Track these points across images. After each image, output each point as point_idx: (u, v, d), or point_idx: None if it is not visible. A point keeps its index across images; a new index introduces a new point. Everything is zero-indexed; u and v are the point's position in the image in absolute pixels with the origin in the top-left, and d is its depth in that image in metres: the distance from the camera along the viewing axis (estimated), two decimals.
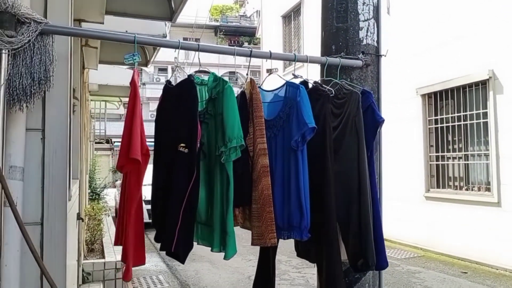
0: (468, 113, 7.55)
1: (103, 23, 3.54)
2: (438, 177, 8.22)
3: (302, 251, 2.43)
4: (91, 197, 10.13)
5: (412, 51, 8.48)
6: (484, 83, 7.18)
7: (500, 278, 6.24)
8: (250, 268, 6.76)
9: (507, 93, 6.77)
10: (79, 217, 3.77)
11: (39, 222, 1.91)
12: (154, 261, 7.59)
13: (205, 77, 2.01)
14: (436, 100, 8.20)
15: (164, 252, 1.93)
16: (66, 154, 1.99)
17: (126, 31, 4.59)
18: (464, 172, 7.73)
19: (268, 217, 1.92)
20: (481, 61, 7.08)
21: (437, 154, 8.23)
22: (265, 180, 1.93)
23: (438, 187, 8.20)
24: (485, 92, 7.20)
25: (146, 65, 5.71)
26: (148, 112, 31.23)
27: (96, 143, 16.71)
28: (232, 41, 33.51)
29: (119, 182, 12.71)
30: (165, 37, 3.93)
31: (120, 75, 9.12)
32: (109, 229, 7.74)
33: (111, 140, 25.71)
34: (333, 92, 2.12)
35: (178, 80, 2.09)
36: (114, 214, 11.55)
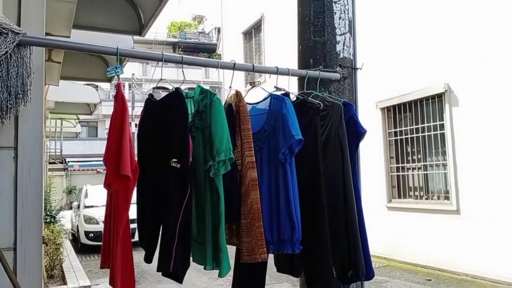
0: (426, 125, 7.85)
1: (69, 37, 3.42)
2: (399, 188, 8.46)
3: (284, 266, 2.39)
4: (45, 220, 9.66)
5: (371, 66, 8.74)
6: (440, 96, 7.51)
7: (462, 284, 6.45)
8: (219, 287, 6.62)
9: (462, 106, 7.12)
10: (43, 241, 3.55)
11: (11, 247, 1.78)
12: None
13: (190, 91, 1.96)
14: (395, 113, 8.49)
15: (160, 273, 1.84)
16: (41, 174, 1.87)
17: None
18: (423, 182, 8.00)
19: (258, 231, 1.88)
20: (437, 75, 7.42)
21: (398, 165, 8.48)
22: (254, 194, 1.89)
23: (399, 197, 8.44)
24: (441, 104, 7.53)
25: (110, 80, 5.55)
26: (104, 130, 30.40)
27: (49, 163, 16.01)
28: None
29: (75, 204, 12.19)
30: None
31: (78, 92, 8.83)
32: (68, 254, 7.36)
33: (65, 160, 24.84)
34: (321, 105, 2.13)
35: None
36: (71, 238, 11.05)
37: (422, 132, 7.93)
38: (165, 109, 1.86)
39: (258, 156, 2.05)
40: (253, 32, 13.75)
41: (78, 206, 11.78)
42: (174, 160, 1.78)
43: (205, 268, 1.91)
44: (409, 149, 8.29)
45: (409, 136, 8.21)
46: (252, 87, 2.15)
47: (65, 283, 5.33)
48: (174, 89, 1.88)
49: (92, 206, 11.51)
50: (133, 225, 1.93)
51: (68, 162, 25.94)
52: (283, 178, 1.99)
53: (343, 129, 2.15)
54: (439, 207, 7.53)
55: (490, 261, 6.49)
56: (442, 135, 7.51)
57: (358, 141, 2.23)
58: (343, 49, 2.53)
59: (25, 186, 1.80)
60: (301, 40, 2.60)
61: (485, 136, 6.73)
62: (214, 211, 1.86)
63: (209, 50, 33.46)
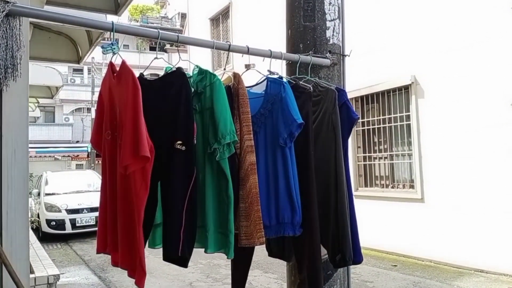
0: (392, 115, 8.05)
1: None
2: (366, 176, 8.67)
3: (276, 251, 2.40)
4: None
5: None
6: (407, 88, 7.71)
7: (426, 269, 6.72)
8: (190, 275, 6.58)
9: (428, 98, 7.34)
10: None
11: None
12: (84, 274, 7.09)
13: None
14: (363, 103, 8.65)
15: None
16: (27, 154, 1.77)
17: (63, 24, 4.23)
18: (389, 171, 8.23)
19: (256, 216, 1.86)
20: (404, 67, 7.60)
21: (364, 154, 8.68)
22: (253, 178, 1.87)
23: (366, 185, 8.65)
24: (407, 96, 7.73)
25: (78, 62, 5.32)
26: (62, 116, 29.30)
27: None
28: (154, 43, 32.62)
29: (35, 191, 11.72)
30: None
31: (39, 73, 8.42)
32: (32, 243, 7.08)
33: None
34: (312, 90, 2.12)
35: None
36: (32, 226, 10.63)
37: (388, 123, 8.13)
38: (166, 89, 1.78)
39: (254, 140, 2.03)
40: (220, 18, 13.58)
41: (39, 194, 11.32)
42: (179, 142, 1.72)
43: (205, 251, 1.88)
44: (375, 139, 8.49)
45: (376, 126, 8.40)
46: (246, 70, 2.10)
47: (32, 271, 5.10)
48: (175, 69, 1.81)
49: (53, 194, 11.10)
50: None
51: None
52: (282, 162, 1.97)
53: (336, 115, 2.15)
54: (404, 196, 7.78)
55: (452, 248, 6.78)
56: (408, 126, 7.73)
57: (351, 127, 2.24)
58: (333, 35, 2.53)
59: (10, 168, 1.69)
60: (291, 24, 2.58)
61: (449, 127, 6.98)
62: (220, 195, 1.83)
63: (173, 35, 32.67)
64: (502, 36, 6.22)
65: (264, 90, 2.08)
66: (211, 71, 1.85)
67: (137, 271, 1.67)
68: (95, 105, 2.03)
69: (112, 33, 1.72)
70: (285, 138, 1.98)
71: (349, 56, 2.59)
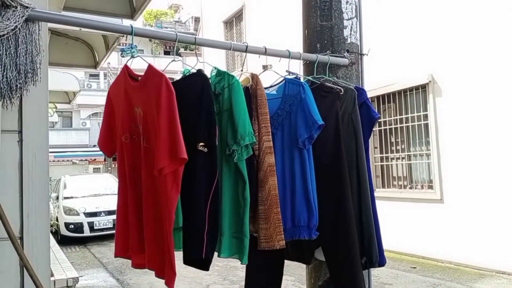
0: (409, 115, 7.94)
1: None
2: (383, 177, 8.56)
3: (294, 253, 2.36)
4: None
5: None
6: (424, 87, 7.60)
7: (446, 271, 6.60)
8: (207, 277, 6.58)
9: (446, 96, 7.22)
10: None
11: (18, 236, 1.68)
12: (102, 276, 7.15)
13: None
14: (379, 103, 8.56)
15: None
16: (47, 158, 1.78)
17: (80, 29, 4.30)
18: (407, 172, 8.11)
19: (275, 218, 1.84)
20: (421, 65, 7.49)
21: (382, 155, 8.58)
22: (272, 180, 1.85)
23: (383, 186, 8.54)
24: (425, 95, 7.62)
25: (95, 67, 5.38)
26: (80, 120, 29.73)
27: None
28: (168, 47, 32.87)
29: (54, 195, 11.89)
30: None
31: (56, 79, 8.54)
32: (52, 246, 7.18)
33: None
34: (341, 90, 2.09)
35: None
36: (53, 230, 10.79)
37: (406, 123, 8.02)
38: (188, 91, 1.77)
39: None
40: (234, 21, 13.60)
41: (57, 198, 11.48)
42: (201, 144, 1.72)
43: (219, 256, 1.86)
44: (393, 139, 8.38)
45: (393, 126, 8.30)
46: (264, 71, 2.08)
47: (52, 275, 5.17)
48: (196, 71, 1.81)
49: (71, 197, 11.25)
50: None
51: None
52: (300, 164, 1.95)
53: (356, 115, 2.12)
54: (422, 196, 7.66)
55: (473, 249, 6.65)
56: (426, 125, 7.61)
57: (371, 126, 2.21)
58: (351, 34, 2.49)
59: (31, 171, 1.70)
60: (307, 24, 2.55)
61: (468, 126, 6.85)
62: (236, 197, 1.81)
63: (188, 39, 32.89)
64: None
65: (281, 91, 2.06)
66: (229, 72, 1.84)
67: (167, 272, 1.68)
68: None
69: (131, 37, 1.72)
70: (304, 140, 1.96)
71: (367, 55, 2.56)
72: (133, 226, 1.78)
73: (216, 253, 1.85)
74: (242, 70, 2.02)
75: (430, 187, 7.62)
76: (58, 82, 8.89)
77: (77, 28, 4.53)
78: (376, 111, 2.25)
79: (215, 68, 1.90)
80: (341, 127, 2.06)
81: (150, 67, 1.74)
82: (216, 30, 14.46)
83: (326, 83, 2.17)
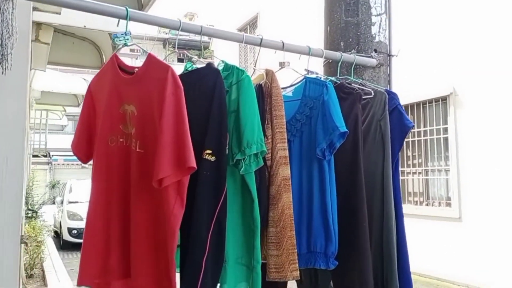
0: (428, 128, 7.60)
1: (59, 13, 3.04)
2: None
3: (307, 283, 2.06)
4: (27, 215, 9.22)
5: None
6: (444, 99, 7.26)
7: None
8: None
9: (468, 109, 6.88)
10: (22, 241, 3.16)
11: None
12: None
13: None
14: None
15: None
16: (21, 164, 1.50)
17: (85, 26, 4.09)
18: (424, 187, 7.75)
19: (289, 243, 1.54)
20: (442, 77, 7.17)
21: None
22: (287, 197, 1.55)
23: None
24: (445, 108, 7.28)
25: (101, 66, 5.17)
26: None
27: (33, 156, 15.48)
28: (181, 54, 32.88)
29: (59, 199, 11.69)
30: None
31: (65, 81, 8.37)
32: (50, 253, 6.91)
33: (49, 153, 24.14)
34: (363, 92, 1.80)
35: None
36: (54, 235, 10.56)
37: (424, 136, 7.67)
38: (195, 88, 1.49)
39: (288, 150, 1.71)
40: (248, 29, 13.40)
41: (62, 202, 11.28)
42: (208, 151, 1.42)
43: (221, 287, 1.55)
44: (409, 153, 8.03)
45: (410, 139, 7.95)
46: (281, 68, 1.80)
47: (45, 284, 4.90)
48: (206, 65, 1.53)
49: (76, 202, 11.02)
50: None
51: (53, 156, 25.22)
52: (319, 178, 1.65)
53: (386, 121, 1.82)
54: (440, 214, 7.28)
55: (492, 272, 6.25)
56: (446, 139, 7.26)
57: (403, 136, 1.91)
58: (379, 32, 2.21)
59: (1, 177, 1.43)
60: (330, 20, 2.27)
61: (490, 142, 6.50)
62: (244, 217, 1.51)
63: (200, 47, 32.91)
64: None
65: (300, 92, 1.77)
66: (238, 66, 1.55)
67: None
68: None
69: (126, 22, 1.46)
70: (324, 149, 1.66)
71: (397, 56, 2.26)
72: (115, 247, 1.48)
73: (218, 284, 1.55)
74: (255, 68, 1.74)
75: (448, 204, 7.25)
76: (67, 85, 8.72)
77: (82, 26, 4.32)
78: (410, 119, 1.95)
79: (222, 61, 1.61)
80: (360, 136, 1.76)
81: (151, 57, 1.46)
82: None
83: (346, 83, 1.88)
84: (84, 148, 1.59)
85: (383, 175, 1.83)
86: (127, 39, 1.47)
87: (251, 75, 1.75)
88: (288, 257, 1.53)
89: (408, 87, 7.74)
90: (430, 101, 7.51)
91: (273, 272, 1.54)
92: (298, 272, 1.57)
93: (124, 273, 1.48)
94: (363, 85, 1.91)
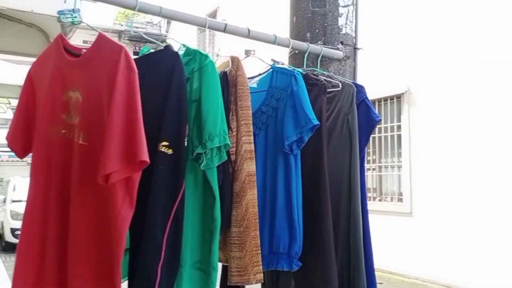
0: (382, 125, 7.74)
1: None
2: None
3: (268, 282, 1.97)
4: None
5: None
6: (399, 97, 7.42)
7: (413, 287, 6.38)
8: None
9: (421, 107, 7.07)
10: None
11: None
12: None
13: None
14: None
15: None
16: None
17: (32, 10, 3.83)
18: (377, 183, 7.90)
19: (253, 244, 1.43)
20: (397, 75, 7.32)
21: None
22: (251, 194, 1.44)
23: None
24: (399, 105, 7.44)
25: None
26: None
27: None
28: (137, 47, 31.93)
29: (1, 197, 10.98)
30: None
31: (10, 71, 7.84)
32: None
33: None
34: (327, 83, 1.71)
35: None
36: None
37: (378, 133, 7.81)
38: (151, 72, 1.33)
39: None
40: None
41: (5, 200, 10.59)
42: (164, 143, 1.27)
43: None
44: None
45: None
46: (246, 56, 1.69)
47: None
48: (164, 47, 1.38)
49: (20, 201, 10.35)
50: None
51: None
52: (284, 174, 1.56)
53: (353, 115, 1.76)
54: (392, 209, 7.46)
55: (441, 265, 6.47)
56: (399, 136, 7.44)
57: (370, 130, 1.86)
58: (346, 23, 2.15)
59: None
60: (296, 10, 2.19)
61: (442, 139, 6.71)
62: (204, 217, 1.38)
63: (158, 40, 32.21)
64: (497, 48, 5.99)
65: (266, 83, 1.66)
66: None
67: None
68: None
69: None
70: (292, 143, 1.56)
71: (362, 49, 2.21)
72: (52, 251, 1.30)
73: None
74: (219, 54, 1.62)
75: (400, 199, 7.43)
76: (12, 75, 8.18)
77: (29, 10, 4.03)
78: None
79: (183, 45, 1.47)
80: (324, 130, 1.67)
81: (101, 37, 1.29)
82: (188, 32, 13.95)
83: (313, 74, 1.80)
84: (21, 141, 1.40)
85: (350, 171, 1.77)
86: (75, 16, 1.30)
87: (215, 61, 1.62)
88: (251, 259, 1.42)
89: (365, 84, 7.86)
90: (386, 99, 7.65)
91: (235, 275, 1.43)
92: (262, 275, 1.46)
93: (61, 281, 1.31)
94: (330, 77, 1.84)
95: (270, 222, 1.61)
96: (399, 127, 7.41)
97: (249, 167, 1.45)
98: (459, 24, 6.52)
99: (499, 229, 5.83)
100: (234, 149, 1.46)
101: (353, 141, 1.76)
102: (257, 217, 1.46)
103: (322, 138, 1.67)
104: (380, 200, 7.80)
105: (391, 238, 7.28)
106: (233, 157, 1.46)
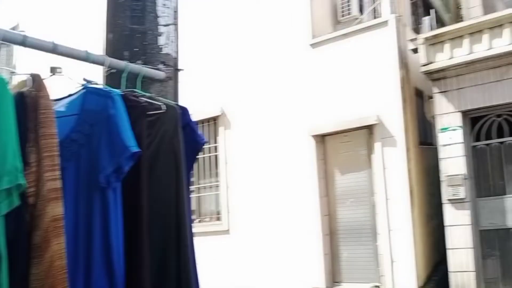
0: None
1: None
2: None
3: None
4: None
5: None
6: (215, 120, 7.66)
7: None
8: None
9: (234, 129, 7.43)
10: None
11: None
12: None
13: None
14: None
15: None
16: None
17: None
18: (196, 205, 7.94)
19: None
20: (213, 97, 7.55)
21: None
22: (57, 243, 1.14)
23: None
24: (215, 127, 7.68)
25: None
26: None
27: None
28: None
29: None
30: None
31: None
32: None
33: None
34: (148, 105, 1.54)
35: None
36: None
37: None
38: None
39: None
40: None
41: None
42: None
43: None
44: None
45: None
46: (52, 74, 1.38)
47: None
48: None
49: None
50: None
51: None
52: (101, 212, 1.31)
53: (178, 140, 1.63)
54: (211, 229, 7.58)
55: (255, 277, 6.84)
56: (216, 157, 7.65)
57: (195, 154, 1.75)
58: (167, 43, 2.02)
59: None
60: (112, 26, 1.97)
61: (253, 158, 7.17)
62: None
63: None
64: (301, 70, 6.75)
65: (77, 106, 1.39)
66: None
67: None
68: None
69: None
70: (109, 175, 1.34)
71: (183, 70, 2.12)
72: None
73: None
74: (14, 71, 1.28)
75: (218, 218, 7.62)
76: None
77: None
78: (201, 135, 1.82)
79: None
80: (144, 159, 1.51)
81: None
82: None
83: (132, 95, 1.61)
84: None
85: (177, 199, 1.62)
86: None
87: (9, 81, 1.28)
88: None
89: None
90: (203, 121, 7.80)
91: None
92: None
93: None
94: (152, 99, 1.66)
95: (85, 271, 1.34)
96: (216, 148, 7.63)
97: (54, 209, 1.16)
98: (264, 46, 7.10)
99: (298, 241, 6.50)
100: (33, 189, 1.14)
101: (179, 168, 1.62)
102: (65, 271, 1.18)
103: (142, 167, 1.49)
104: (199, 221, 7.84)
105: (212, 256, 7.37)
106: (31, 200, 1.15)
